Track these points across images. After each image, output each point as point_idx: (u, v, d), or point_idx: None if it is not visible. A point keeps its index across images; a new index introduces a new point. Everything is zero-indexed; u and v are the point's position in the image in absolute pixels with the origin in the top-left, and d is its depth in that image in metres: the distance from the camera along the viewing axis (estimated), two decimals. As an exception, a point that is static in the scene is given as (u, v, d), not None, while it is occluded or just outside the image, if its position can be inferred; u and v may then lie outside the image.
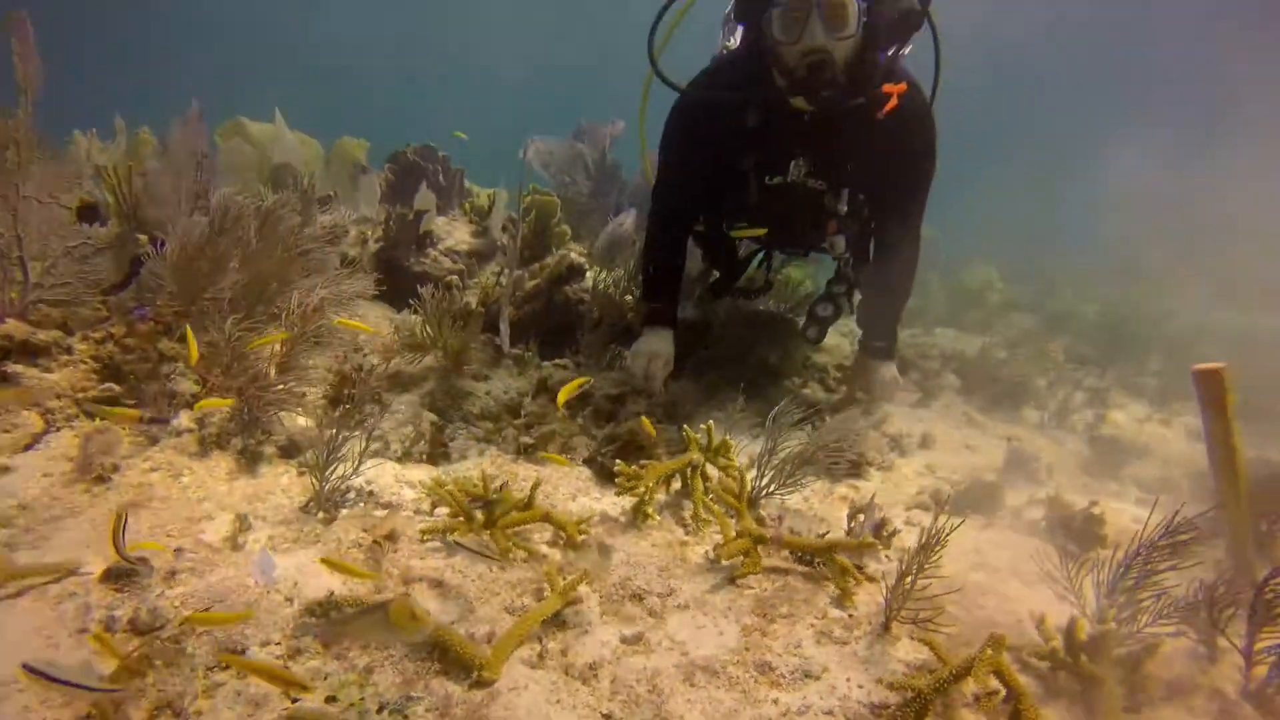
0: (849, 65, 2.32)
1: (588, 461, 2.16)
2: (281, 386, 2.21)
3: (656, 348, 2.64)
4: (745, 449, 2.41)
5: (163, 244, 2.67)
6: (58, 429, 1.97)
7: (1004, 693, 1.14)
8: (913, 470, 2.54)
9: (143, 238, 2.92)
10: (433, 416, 2.52)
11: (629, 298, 3.11)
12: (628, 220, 3.73)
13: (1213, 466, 1.71)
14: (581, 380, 1.99)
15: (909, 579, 1.35)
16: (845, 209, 2.63)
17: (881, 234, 2.82)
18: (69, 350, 2.25)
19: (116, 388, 2.23)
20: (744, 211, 2.70)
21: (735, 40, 2.91)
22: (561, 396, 1.92)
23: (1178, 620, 1.39)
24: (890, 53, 2.47)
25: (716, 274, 3.15)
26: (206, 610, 1.28)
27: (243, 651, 1.20)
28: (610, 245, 3.88)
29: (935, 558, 1.38)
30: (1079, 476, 2.93)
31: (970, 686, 1.18)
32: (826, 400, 3.01)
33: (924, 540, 1.31)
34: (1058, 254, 10.24)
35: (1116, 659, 1.28)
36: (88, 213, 2.65)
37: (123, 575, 1.35)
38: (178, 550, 1.46)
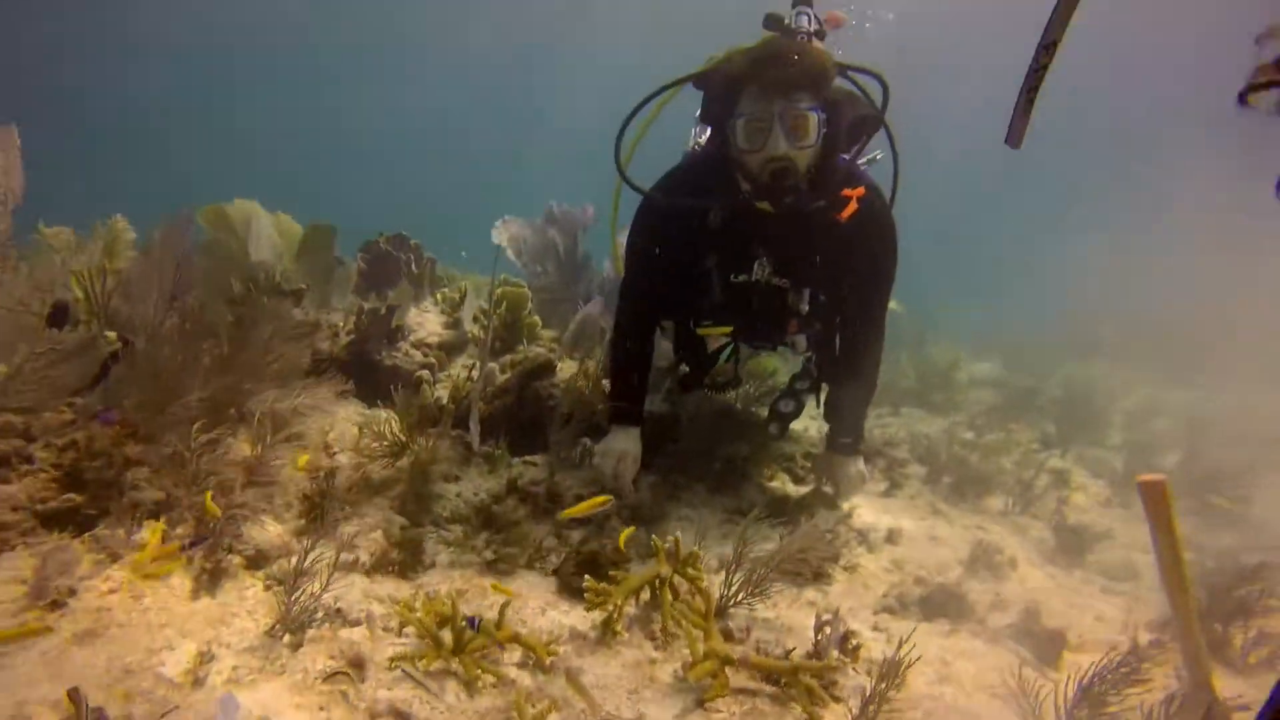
0: (810, 170, 2.47)
1: (557, 571, 2.16)
2: (246, 503, 2.20)
3: (624, 447, 2.67)
4: (715, 550, 2.43)
5: (133, 345, 2.68)
6: (12, 547, 1.93)
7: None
8: (880, 567, 2.57)
9: (111, 335, 2.92)
10: (402, 521, 2.51)
11: (599, 392, 3.16)
12: (595, 309, 3.82)
13: (1161, 576, 1.77)
14: (599, 501, 2.06)
15: (873, 707, 1.36)
16: (807, 308, 2.73)
17: (846, 330, 2.91)
18: (29, 459, 2.22)
19: (77, 498, 2.19)
20: (710, 310, 2.79)
21: (705, 138, 3.06)
22: (573, 512, 1.98)
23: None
24: (850, 157, 2.63)
25: (685, 368, 3.22)
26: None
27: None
28: (579, 335, 3.96)
29: (901, 673, 1.41)
30: (1044, 567, 2.98)
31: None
32: (794, 495, 3.05)
33: (885, 670, 1.34)
34: (1023, 325, 10.60)
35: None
36: (59, 313, 2.65)
37: None
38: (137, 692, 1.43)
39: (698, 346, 3.04)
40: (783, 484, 3.23)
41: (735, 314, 2.79)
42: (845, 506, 2.96)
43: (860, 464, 2.97)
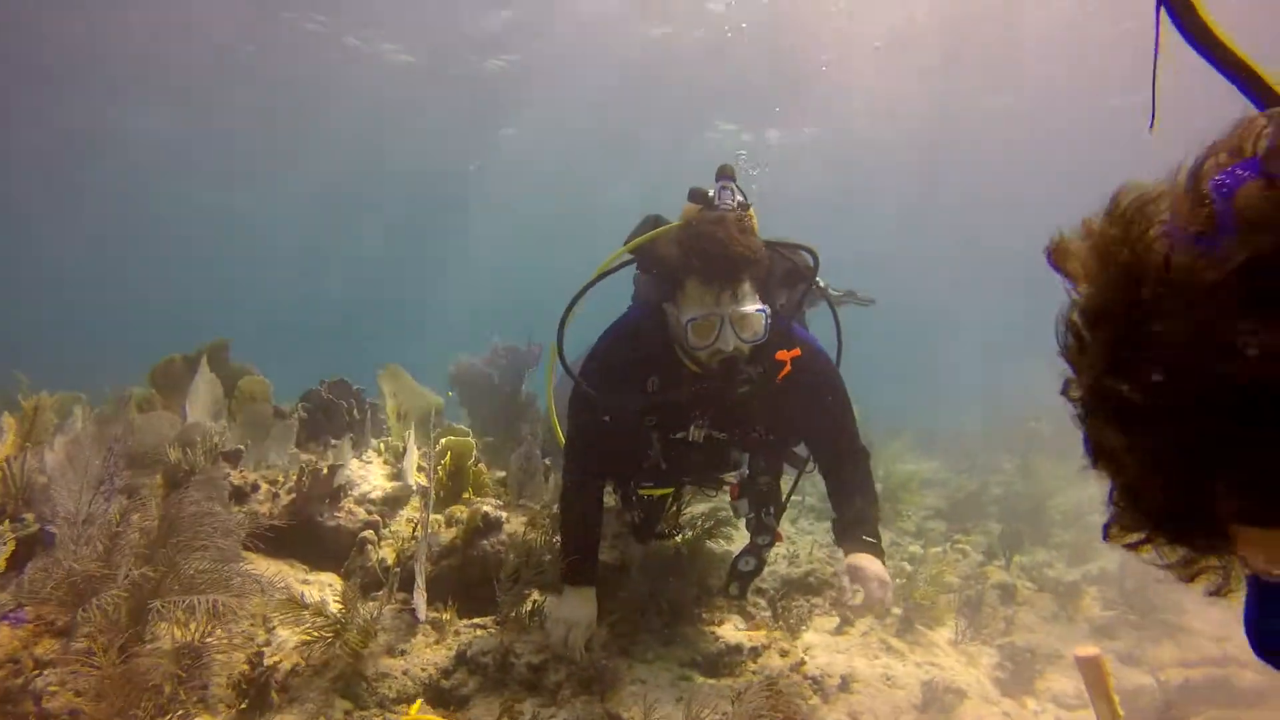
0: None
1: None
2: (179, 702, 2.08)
3: (577, 614, 2.64)
4: (668, 717, 2.39)
5: (52, 536, 2.57)
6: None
7: None
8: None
9: (29, 517, 2.79)
10: (347, 705, 2.40)
11: (548, 545, 3.14)
12: (534, 450, 3.85)
13: None
14: None
15: None
16: (747, 471, 2.82)
17: (830, 470, 2.93)
18: (-69, 673, 2.06)
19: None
20: (649, 470, 2.88)
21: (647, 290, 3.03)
22: None
23: None
24: (788, 320, 2.78)
25: (632, 518, 3.23)
26: None
27: None
28: (523, 476, 3.94)
29: None
30: (999, 702, 3.00)
31: None
32: (747, 644, 3.03)
33: None
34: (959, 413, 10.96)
35: None
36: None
37: None
38: None
39: (642, 503, 3.07)
40: (734, 627, 3.21)
41: (675, 470, 2.88)
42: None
43: (881, 566, 2.62)
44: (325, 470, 3.30)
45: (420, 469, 3.75)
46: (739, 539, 3.58)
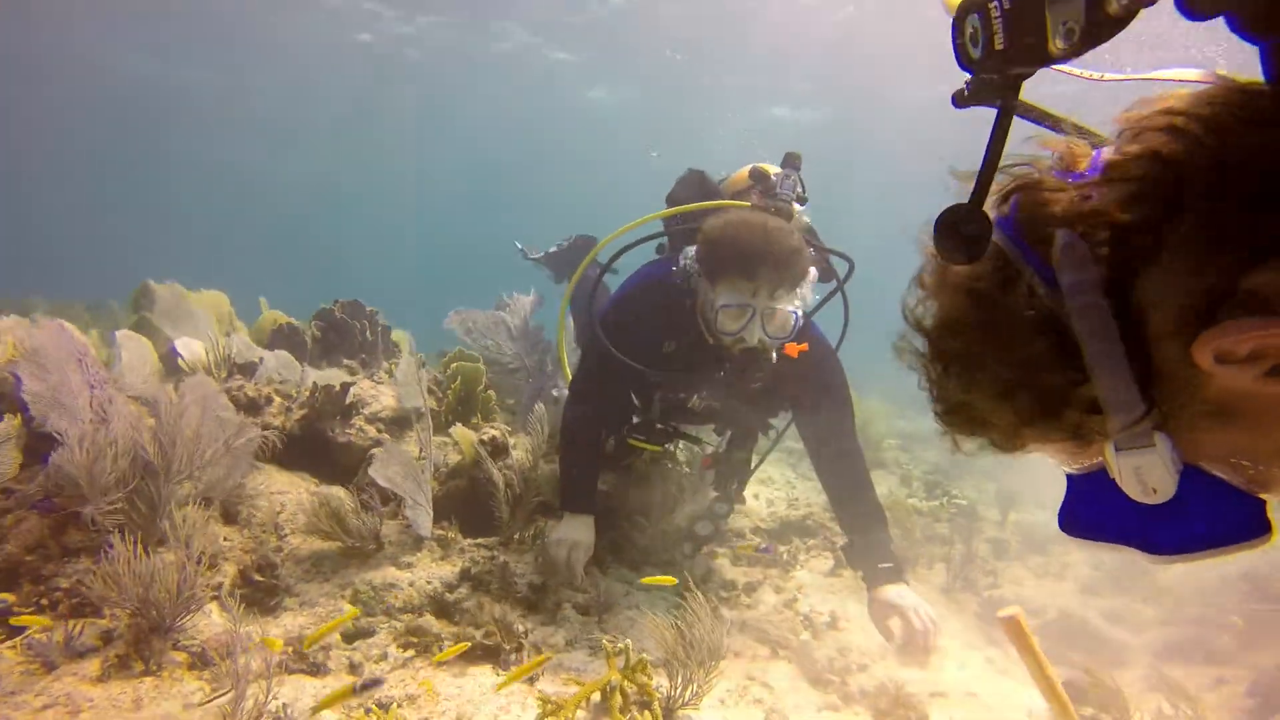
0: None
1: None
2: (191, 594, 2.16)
3: (576, 536, 2.72)
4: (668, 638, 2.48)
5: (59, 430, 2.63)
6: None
7: None
8: (825, 655, 2.65)
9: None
10: (355, 610, 2.49)
11: (551, 474, 3.20)
12: (546, 383, 3.90)
13: (1041, 694, 1.88)
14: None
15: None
16: (724, 446, 2.96)
17: (824, 466, 2.91)
18: (-38, 556, 2.16)
19: (10, 597, 2.13)
20: (644, 426, 3.02)
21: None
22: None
23: None
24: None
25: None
26: None
27: None
28: (530, 409, 4.00)
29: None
30: (984, 649, 3.09)
31: None
32: (741, 578, 3.12)
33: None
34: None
35: None
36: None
37: None
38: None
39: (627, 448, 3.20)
40: (730, 563, 3.30)
41: (666, 429, 3.05)
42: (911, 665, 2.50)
43: (918, 598, 2.52)
44: (337, 387, 3.35)
45: (430, 391, 3.80)
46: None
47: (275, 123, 21.54)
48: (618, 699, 1.86)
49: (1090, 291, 0.58)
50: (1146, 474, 0.63)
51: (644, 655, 1.97)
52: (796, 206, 2.76)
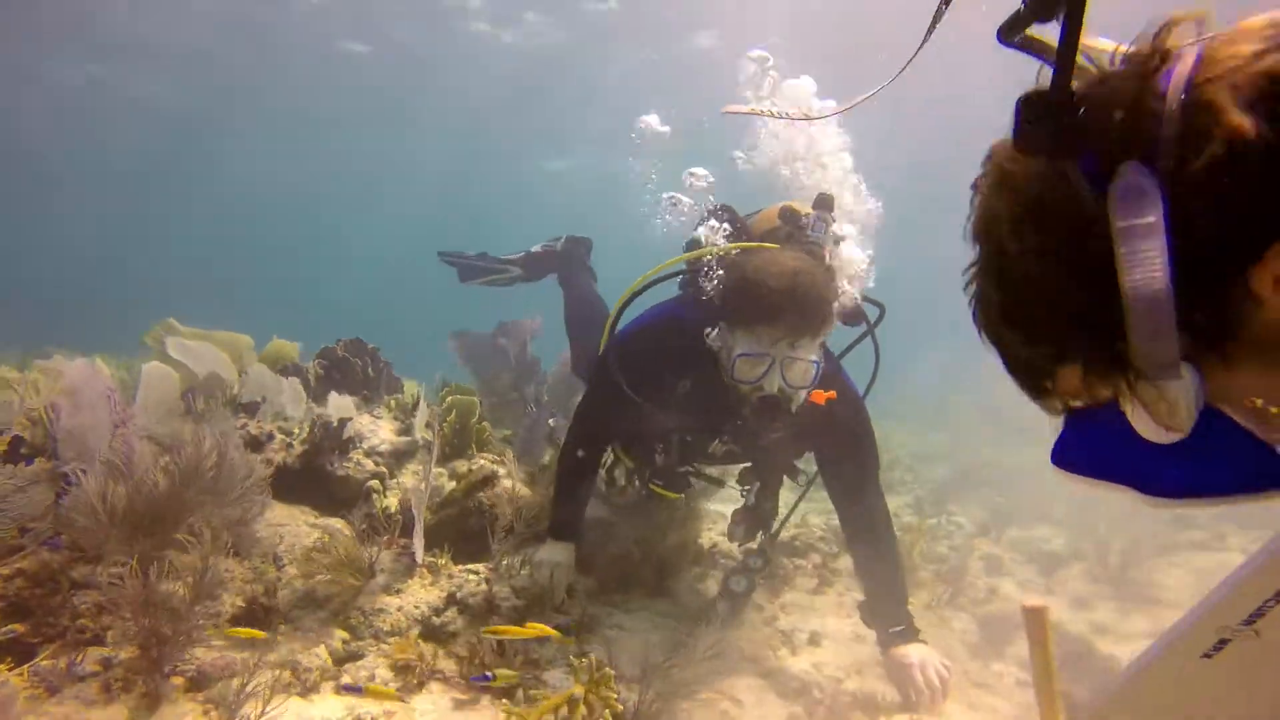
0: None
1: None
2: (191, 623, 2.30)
3: (557, 558, 2.85)
4: (640, 658, 2.57)
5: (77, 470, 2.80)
6: (-42, 681, 2.01)
7: None
8: (799, 670, 2.71)
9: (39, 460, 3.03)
10: (344, 635, 2.62)
11: (541, 503, 3.32)
12: (540, 416, 4.03)
13: (1036, 692, 1.95)
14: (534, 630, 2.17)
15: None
16: (753, 500, 2.93)
17: (847, 516, 2.92)
18: (-22, 589, 2.31)
19: (19, 627, 2.28)
20: (664, 471, 2.98)
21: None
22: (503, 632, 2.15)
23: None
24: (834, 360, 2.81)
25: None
26: None
27: None
28: (528, 440, 4.14)
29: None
30: (965, 662, 3.13)
31: None
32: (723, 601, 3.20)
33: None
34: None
35: None
36: (13, 448, 2.78)
37: None
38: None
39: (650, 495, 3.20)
40: (714, 583, 3.38)
41: (687, 476, 3.04)
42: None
43: (933, 655, 2.57)
44: (335, 422, 3.51)
45: (427, 425, 3.95)
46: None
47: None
48: (581, 710, 1.96)
49: (1143, 206, 0.55)
50: (1164, 409, 0.60)
51: (608, 670, 2.07)
52: (829, 248, 2.66)
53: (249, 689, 2.08)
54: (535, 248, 4.60)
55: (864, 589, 2.86)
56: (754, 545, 3.01)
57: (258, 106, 18.95)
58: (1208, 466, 0.63)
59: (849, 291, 2.67)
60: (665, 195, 3.23)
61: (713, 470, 3.29)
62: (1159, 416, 0.61)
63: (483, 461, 3.39)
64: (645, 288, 3.04)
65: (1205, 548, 4.74)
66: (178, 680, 2.23)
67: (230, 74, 16.93)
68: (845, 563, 3.91)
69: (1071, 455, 0.72)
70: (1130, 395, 0.62)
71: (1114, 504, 5.92)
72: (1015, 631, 3.48)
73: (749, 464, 3.08)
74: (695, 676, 2.44)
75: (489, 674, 2.02)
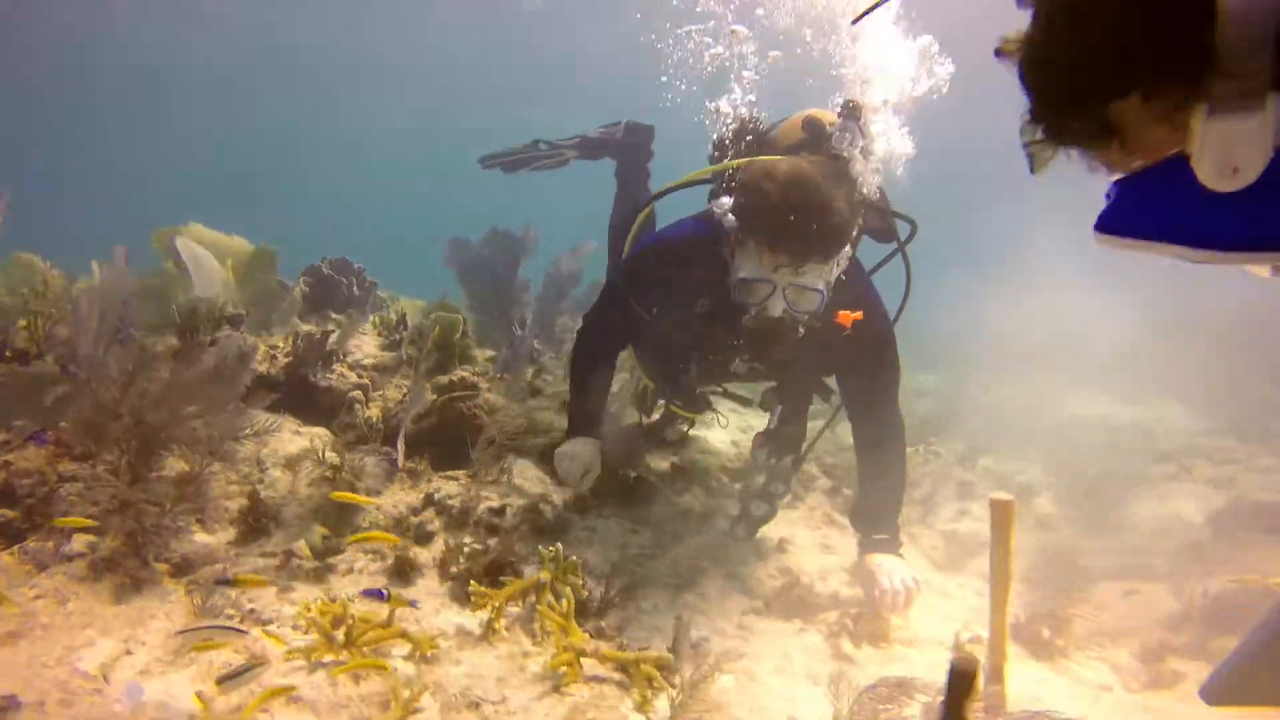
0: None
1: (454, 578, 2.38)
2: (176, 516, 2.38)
3: (577, 450, 2.81)
4: (610, 559, 2.68)
5: (71, 372, 2.86)
6: (-49, 557, 2.10)
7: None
8: (765, 574, 2.82)
9: (49, 360, 3.09)
10: (324, 531, 2.71)
11: (520, 414, 3.39)
12: (526, 335, 4.06)
13: (991, 578, 2.04)
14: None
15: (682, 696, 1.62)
16: (774, 424, 2.88)
17: (859, 432, 2.81)
18: (-33, 478, 2.39)
19: (10, 513, 2.37)
20: (685, 391, 2.93)
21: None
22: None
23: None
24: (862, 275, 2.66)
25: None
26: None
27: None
28: (511, 359, 4.19)
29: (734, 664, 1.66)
30: (929, 574, 3.25)
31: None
32: (699, 509, 3.30)
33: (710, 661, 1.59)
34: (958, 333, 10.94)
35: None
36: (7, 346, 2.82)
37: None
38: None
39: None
40: (694, 499, 3.48)
41: (707, 396, 2.97)
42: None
43: (902, 565, 2.55)
44: (319, 334, 3.56)
45: (411, 341, 4.00)
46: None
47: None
48: (547, 594, 2.06)
49: None
50: (1235, 147, 0.56)
51: (574, 559, 2.16)
52: (858, 161, 2.41)
53: (230, 575, 2.17)
54: (593, 132, 4.32)
55: (859, 494, 2.83)
56: (775, 466, 2.92)
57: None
58: (1271, 216, 0.59)
59: (873, 201, 2.47)
60: (708, 102, 2.97)
61: (742, 391, 3.18)
62: (1227, 156, 0.56)
63: (464, 374, 3.44)
64: (664, 194, 2.90)
65: (1175, 479, 4.84)
66: (162, 566, 2.32)
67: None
68: (821, 482, 4.01)
69: (1117, 221, 0.68)
70: (1197, 134, 0.57)
71: (1090, 437, 6.05)
72: (980, 549, 3.59)
73: (773, 384, 2.98)
74: (661, 573, 2.55)
75: (384, 590, 2.02)
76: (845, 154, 2.35)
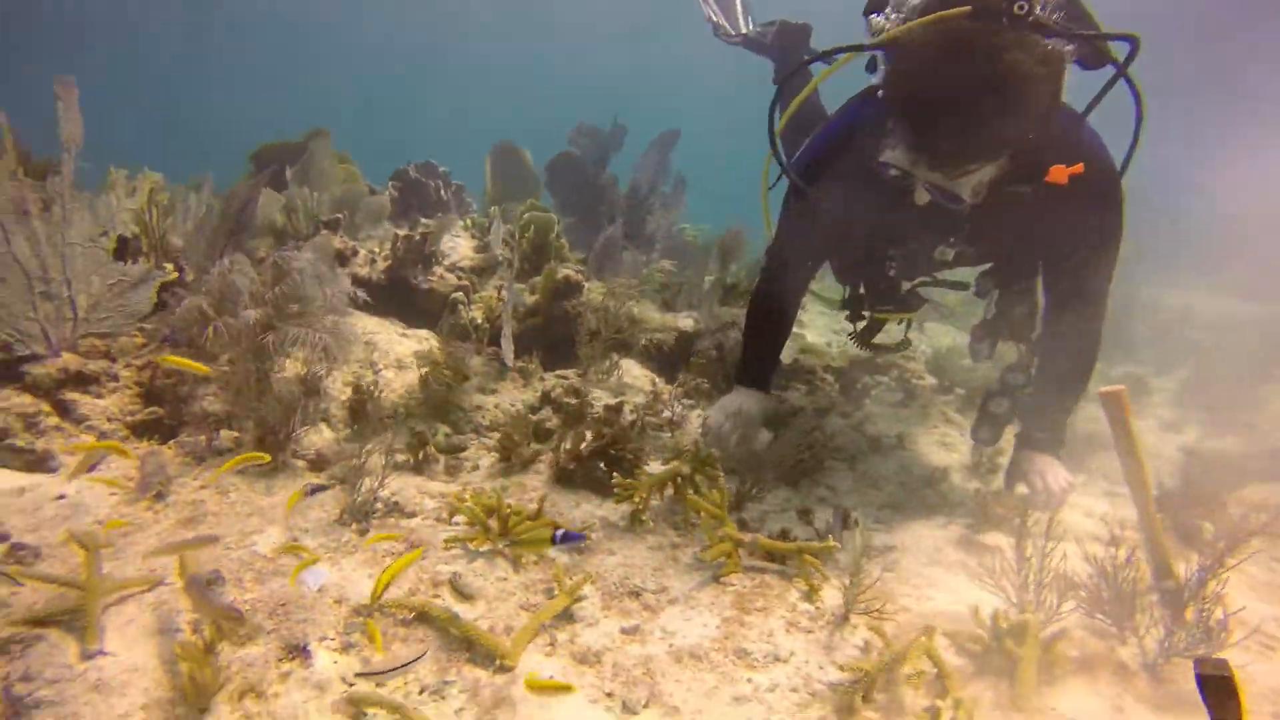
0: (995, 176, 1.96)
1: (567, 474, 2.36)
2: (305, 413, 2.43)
3: (737, 404, 2.55)
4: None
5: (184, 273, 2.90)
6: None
7: (935, 671, 1.38)
8: (889, 470, 2.76)
9: (169, 266, 3.14)
10: (446, 430, 2.75)
11: (625, 307, 3.33)
12: (616, 231, 3.95)
13: (1124, 472, 1.93)
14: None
15: (855, 581, 1.58)
16: (992, 311, 2.52)
17: (1058, 311, 2.35)
18: (115, 378, 2.48)
19: (160, 410, 2.46)
20: (887, 293, 2.57)
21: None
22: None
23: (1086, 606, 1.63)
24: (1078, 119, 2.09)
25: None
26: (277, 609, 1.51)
27: (303, 646, 1.43)
28: (603, 256, 4.10)
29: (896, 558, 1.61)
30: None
31: (909, 666, 1.41)
32: (809, 404, 3.23)
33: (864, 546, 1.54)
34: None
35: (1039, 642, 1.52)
36: (121, 248, 2.86)
37: (200, 584, 1.58)
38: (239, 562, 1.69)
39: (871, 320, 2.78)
40: (799, 397, 3.41)
41: (915, 292, 2.58)
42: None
43: (1059, 466, 2.34)
44: (418, 236, 3.52)
45: (505, 242, 3.94)
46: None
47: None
48: (688, 489, 2.03)
49: None
50: None
51: (713, 452, 2.12)
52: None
53: (365, 467, 2.21)
54: (752, 30, 4.08)
55: (1035, 381, 2.48)
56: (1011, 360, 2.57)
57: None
58: None
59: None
60: None
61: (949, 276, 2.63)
62: None
63: (567, 272, 3.38)
64: (824, 56, 2.33)
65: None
66: (299, 462, 2.39)
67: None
68: (930, 380, 3.88)
69: None
70: None
71: (1206, 336, 5.70)
72: (1097, 449, 3.44)
73: (987, 266, 2.57)
74: (785, 468, 2.51)
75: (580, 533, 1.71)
76: (1038, 18, 1.79)
